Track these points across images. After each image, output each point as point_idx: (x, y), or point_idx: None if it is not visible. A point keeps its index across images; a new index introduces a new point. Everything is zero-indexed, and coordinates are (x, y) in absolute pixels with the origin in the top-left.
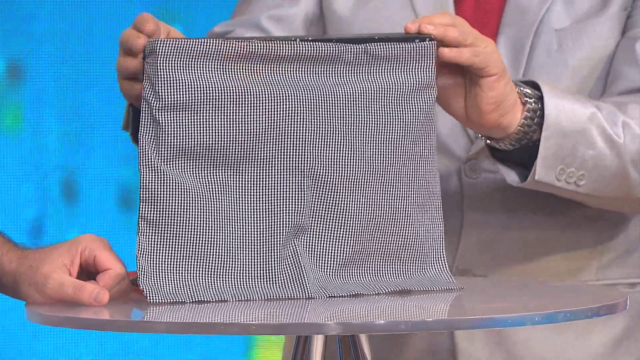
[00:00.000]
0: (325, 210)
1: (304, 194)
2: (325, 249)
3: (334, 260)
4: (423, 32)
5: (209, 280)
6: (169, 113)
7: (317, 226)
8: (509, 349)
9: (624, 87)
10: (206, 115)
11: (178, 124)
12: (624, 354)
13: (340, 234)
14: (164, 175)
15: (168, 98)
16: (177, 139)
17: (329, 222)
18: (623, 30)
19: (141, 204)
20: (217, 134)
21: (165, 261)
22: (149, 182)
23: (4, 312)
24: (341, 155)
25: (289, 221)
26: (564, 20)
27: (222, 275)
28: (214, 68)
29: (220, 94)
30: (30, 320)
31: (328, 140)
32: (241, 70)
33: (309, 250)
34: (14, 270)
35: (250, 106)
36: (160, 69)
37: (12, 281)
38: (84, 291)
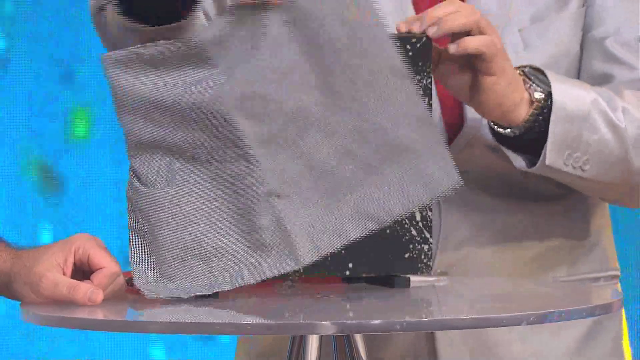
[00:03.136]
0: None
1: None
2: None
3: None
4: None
5: (199, 271)
6: (133, 117)
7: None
8: (489, 349)
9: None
10: (176, 113)
11: (143, 124)
12: (596, 347)
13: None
14: (145, 181)
15: (130, 106)
16: (151, 141)
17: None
18: (583, 27)
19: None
20: (180, 127)
21: (156, 265)
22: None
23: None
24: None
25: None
26: (524, 19)
27: (211, 260)
28: (166, 71)
29: (179, 92)
30: (25, 320)
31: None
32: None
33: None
34: (8, 270)
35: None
36: (115, 79)
37: (6, 281)
38: (78, 291)
